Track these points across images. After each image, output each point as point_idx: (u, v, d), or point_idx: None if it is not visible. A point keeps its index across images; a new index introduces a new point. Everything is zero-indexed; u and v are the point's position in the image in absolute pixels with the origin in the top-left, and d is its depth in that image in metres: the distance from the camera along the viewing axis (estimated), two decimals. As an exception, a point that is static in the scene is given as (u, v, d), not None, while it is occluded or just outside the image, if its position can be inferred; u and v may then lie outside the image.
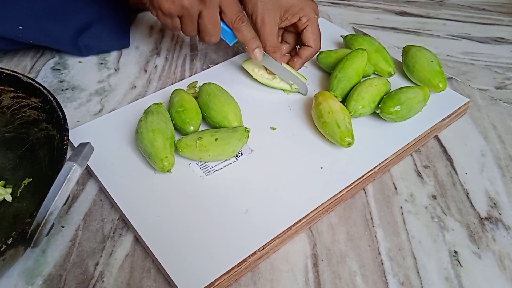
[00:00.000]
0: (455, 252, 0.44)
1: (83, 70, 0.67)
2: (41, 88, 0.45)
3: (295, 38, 0.62)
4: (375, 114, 0.55)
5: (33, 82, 0.46)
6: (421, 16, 0.82)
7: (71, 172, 0.33)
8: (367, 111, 0.54)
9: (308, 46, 0.59)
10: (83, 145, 0.35)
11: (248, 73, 0.60)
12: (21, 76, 0.46)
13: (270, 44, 0.57)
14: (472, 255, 0.44)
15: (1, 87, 0.48)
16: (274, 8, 0.56)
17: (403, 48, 0.62)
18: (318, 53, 0.61)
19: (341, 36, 0.67)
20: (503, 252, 0.44)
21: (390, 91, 0.56)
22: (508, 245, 0.45)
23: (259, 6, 0.56)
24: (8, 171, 0.48)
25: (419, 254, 0.44)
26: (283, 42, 0.62)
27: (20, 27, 0.60)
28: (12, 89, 0.47)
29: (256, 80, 0.60)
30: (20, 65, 0.68)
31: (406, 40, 0.75)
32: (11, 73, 0.47)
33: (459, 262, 0.43)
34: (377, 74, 0.61)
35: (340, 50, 0.61)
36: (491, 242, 0.45)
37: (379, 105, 0.53)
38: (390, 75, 0.60)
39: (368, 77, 0.58)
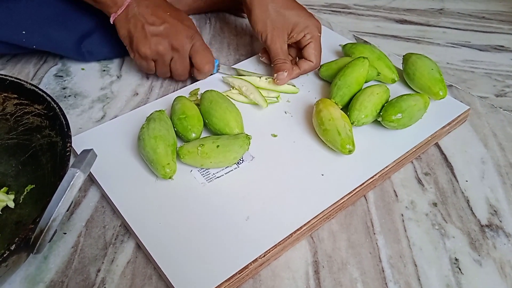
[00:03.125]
0: (456, 259, 0.44)
1: (85, 77, 0.67)
2: (45, 95, 0.45)
3: (296, 52, 0.65)
4: (375, 121, 0.55)
5: (37, 89, 0.46)
6: (421, 24, 0.83)
7: (74, 179, 0.33)
8: (370, 120, 0.54)
9: (309, 60, 0.62)
10: (86, 151, 0.35)
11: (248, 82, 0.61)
12: (25, 83, 0.47)
13: (280, 58, 0.60)
14: (473, 263, 0.44)
15: (5, 94, 0.48)
16: (283, 27, 0.60)
17: (403, 56, 0.62)
18: (318, 67, 0.63)
19: (339, 45, 0.67)
20: (503, 260, 0.44)
21: (391, 98, 0.56)
22: (509, 252, 0.45)
23: (268, 25, 0.60)
24: (11, 177, 0.48)
25: (420, 261, 0.44)
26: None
27: (24, 32, 0.60)
28: (16, 96, 0.48)
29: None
30: (23, 72, 0.68)
31: (406, 48, 0.75)
32: (15, 80, 0.47)
33: (460, 269, 0.44)
34: (379, 81, 0.61)
35: (341, 59, 0.62)
36: (491, 249, 0.45)
37: (381, 113, 0.53)
38: (394, 81, 0.61)
39: (369, 85, 0.58)
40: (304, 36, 0.61)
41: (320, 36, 0.62)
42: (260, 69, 0.66)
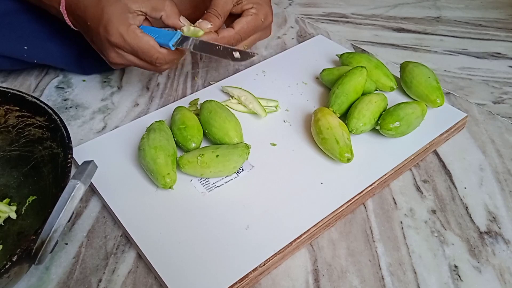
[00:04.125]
0: (455, 266, 0.45)
1: (86, 88, 0.68)
2: (46, 108, 0.46)
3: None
4: (374, 129, 0.55)
5: (38, 102, 0.47)
6: (419, 32, 0.83)
7: (75, 190, 0.34)
8: (368, 128, 0.54)
9: (231, 27, 0.54)
10: (86, 163, 0.36)
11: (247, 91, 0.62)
12: (27, 96, 0.47)
13: (214, 10, 0.54)
14: (472, 270, 0.44)
15: (7, 107, 0.49)
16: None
17: (400, 64, 0.63)
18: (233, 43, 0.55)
19: (336, 55, 0.68)
20: (503, 266, 0.45)
21: (389, 107, 0.56)
22: (508, 259, 0.45)
23: None
24: (13, 188, 0.49)
25: (420, 268, 0.44)
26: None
27: (25, 47, 0.61)
28: (18, 108, 0.48)
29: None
30: (25, 84, 0.69)
31: (404, 56, 0.76)
32: (17, 93, 0.48)
33: (459, 276, 0.44)
34: (378, 89, 0.62)
35: (343, 67, 0.62)
36: (491, 256, 0.45)
37: (379, 122, 0.54)
38: (392, 89, 0.61)
39: (367, 94, 0.59)
40: (250, 8, 0.55)
41: (262, 20, 0.55)
42: (259, 79, 0.66)
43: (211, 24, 0.53)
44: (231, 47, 0.52)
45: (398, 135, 0.54)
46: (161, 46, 0.52)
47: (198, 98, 0.62)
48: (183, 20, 0.54)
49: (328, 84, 0.63)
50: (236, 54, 0.52)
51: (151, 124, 0.53)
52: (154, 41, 0.51)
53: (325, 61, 0.70)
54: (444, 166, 0.55)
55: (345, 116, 0.56)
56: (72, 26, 0.56)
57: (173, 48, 0.52)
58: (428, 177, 0.54)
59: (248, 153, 0.50)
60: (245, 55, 0.52)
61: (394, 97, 0.61)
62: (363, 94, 0.58)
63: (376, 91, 0.61)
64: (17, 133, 0.49)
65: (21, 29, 0.61)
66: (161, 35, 0.52)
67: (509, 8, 0.91)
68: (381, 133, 0.54)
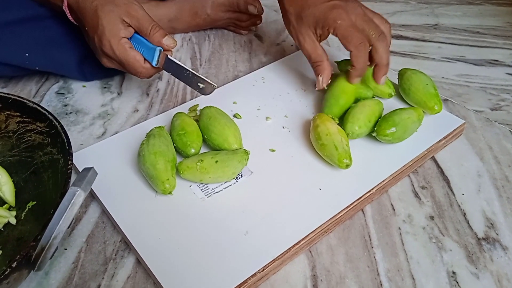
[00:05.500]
0: (453, 272, 0.45)
1: (86, 94, 0.68)
2: (47, 114, 0.46)
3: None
4: (372, 136, 0.56)
5: (39, 108, 0.47)
6: (417, 40, 0.84)
7: (75, 197, 0.34)
8: (364, 131, 0.55)
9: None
10: (87, 169, 0.36)
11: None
12: (27, 102, 0.48)
13: (313, 59, 0.58)
14: (470, 276, 0.44)
15: (8, 112, 0.49)
16: (304, 27, 0.57)
17: (398, 71, 0.64)
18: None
19: (335, 62, 0.68)
20: (500, 273, 0.45)
21: (385, 113, 0.57)
22: (506, 265, 0.45)
23: (292, 32, 0.59)
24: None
25: (418, 274, 0.44)
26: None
27: (27, 54, 0.62)
28: (18, 114, 0.49)
29: None
30: (25, 90, 0.69)
31: (402, 63, 0.77)
32: (18, 98, 0.48)
33: (457, 282, 0.44)
34: (376, 96, 0.62)
35: (341, 73, 0.62)
36: (488, 262, 0.46)
37: (375, 128, 0.54)
38: (391, 96, 0.62)
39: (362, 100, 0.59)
40: (327, 30, 0.56)
41: (346, 21, 0.54)
42: (258, 85, 0.67)
43: (321, 76, 0.57)
44: (198, 75, 0.56)
45: (395, 141, 0.54)
46: (145, 60, 0.57)
47: (198, 104, 0.62)
48: (167, 41, 0.57)
49: (327, 89, 0.63)
50: (201, 85, 0.56)
51: (150, 130, 0.54)
52: (140, 55, 0.56)
53: (324, 68, 0.70)
54: (442, 172, 0.56)
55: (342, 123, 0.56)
56: (74, 22, 0.60)
57: (154, 65, 0.57)
58: (426, 184, 0.54)
59: (247, 159, 0.51)
60: (209, 87, 0.56)
61: (392, 104, 0.62)
62: (359, 100, 0.59)
63: (374, 98, 0.61)
64: (17, 139, 0.49)
65: (23, 37, 0.61)
66: (146, 49, 0.57)
67: (506, 15, 0.92)
68: (379, 140, 0.55)
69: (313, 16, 0.56)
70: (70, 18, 0.59)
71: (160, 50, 0.56)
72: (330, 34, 0.57)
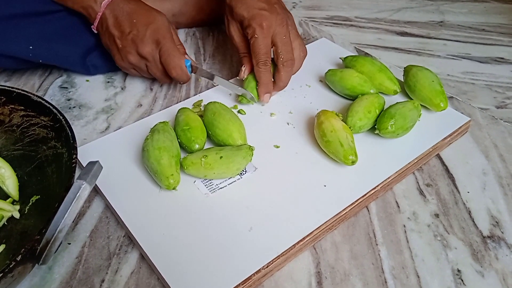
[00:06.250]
0: (458, 270, 0.45)
1: (90, 88, 0.68)
2: (51, 107, 0.46)
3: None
4: (376, 133, 0.55)
5: (43, 101, 0.47)
6: (422, 37, 0.83)
7: (81, 191, 0.34)
8: (365, 123, 0.54)
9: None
10: (92, 163, 0.36)
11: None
12: (31, 95, 0.48)
13: (241, 50, 0.62)
14: (475, 274, 0.44)
15: (12, 106, 0.49)
16: (234, 21, 0.60)
17: (404, 68, 0.63)
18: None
19: (340, 58, 0.68)
20: (506, 271, 0.45)
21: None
22: (511, 263, 0.45)
23: (225, 21, 0.62)
24: (16, 188, 0.49)
25: (422, 272, 0.44)
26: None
27: (31, 47, 0.61)
28: (22, 108, 0.48)
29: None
30: (28, 84, 0.69)
31: (407, 60, 0.76)
32: (22, 92, 0.48)
33: (462, 280, 0.44)
34: (381, 92, 0.62)
35: (346, 69, 0.62)
36: (493, 260, 0.45)
37: (376, 126, 0.54)
38: (396, 92, 0.62)
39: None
40: (247, 34, 0.58)
41: (264, 35, 0.57)
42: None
43: (244, 66, 0.61)
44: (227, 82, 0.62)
45: (399, 131, 0.53)
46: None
47: (202, 100, 0.62)
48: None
49: (331, 85, 0.63)
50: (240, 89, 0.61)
51: (155, 125, 0.53)
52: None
53: (328, 64, 0.70)
54: (447, 170, 0.56)
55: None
56: (95, 30, 0.63)
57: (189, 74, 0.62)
58: (431, 181, 0.54)
59: (252, 155, 0.50)
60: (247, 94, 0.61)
61: (397, 101, 0.61)
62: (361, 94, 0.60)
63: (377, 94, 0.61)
64: (21, 133, 0.49)
65: (27, 30, 0.61)
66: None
67: (512, 13, 0.92)
68: (384, 137, 0.55)
69: (241, 15, 0.58)
70: (94, 26, 0.62)
71: (190, 62, 0.62)
72: None
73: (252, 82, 0.61)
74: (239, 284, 0.41)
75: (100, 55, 0.67)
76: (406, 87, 0.62)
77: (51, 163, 0.47)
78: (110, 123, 0.62)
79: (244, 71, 0.61)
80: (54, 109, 0.46)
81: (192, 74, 0.63)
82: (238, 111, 0.60)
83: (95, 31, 0.63)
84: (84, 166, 0.38)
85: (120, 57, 0.62)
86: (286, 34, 0.58)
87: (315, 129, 0.55)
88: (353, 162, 0.50)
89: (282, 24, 0.58)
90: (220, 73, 0.72)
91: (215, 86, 0.66)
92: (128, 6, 0.60)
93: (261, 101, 0.61)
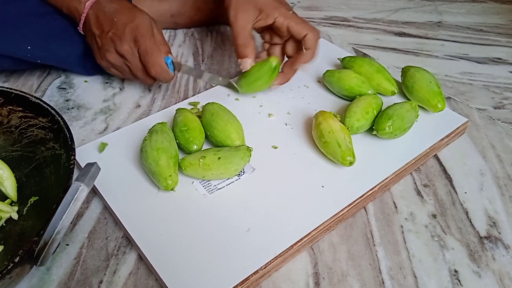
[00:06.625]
0: (455, 271, 0.45)
1: (88, 89, 0.68)
2: (49, 109, 0.46)
3: (271, 37, 0.64)
4: (374, 134, 0.55)
5: (41, 103, 0.47)
6: (420, 37, 0.84)
7: (78, 192, 0.34)
8: (363, 124, 0.55)
9: (305, 49, 0.59)
10: (90, 165, 0.36)
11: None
12: (30, 97, 0.48)
13: (240, 40, 0.59)
14: (472, 274, 0.44)
15: (10, 107, 0.49)
16: (249, 7, 0.58)
17: (402, 68, 0.63)
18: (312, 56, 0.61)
19: (338, 58, 0.68)
20: (503, 271, 0.45)
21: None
22: (508, 264, 0.45)
23: (232, 3, 0.59)
24: (15, 189, 0.49)
25: (420, 273, 0.44)
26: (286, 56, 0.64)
27: (29, 48, 0.61)
28: (21, 109, 0.48)
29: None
30: (27, 84, 0.69)
31: (405, 61, 0.76)
32: (20, 93, 0.48)
33: (459, 281, 0.44)
34: (379, 93, 0.62)
35: (344, 70, 0.63)
36: (490, 261, 0.46)
37: (373, 127, 0.54)
38: (394, 93, 0.62)
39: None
40: (276, 19, 0.58)
41: (292, 13, 0.58)
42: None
43: (250, 58, 0.59)
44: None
45: (397, 132, 0.54)
46: None
47: (199, 102, 0.62)
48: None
49: (329, 86, 0.63)
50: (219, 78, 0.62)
51: (153, 126, 0.53)
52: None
53: (326, 64, 0.70)
54: (444, 170, 0.56)
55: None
56: (81, 32, 0.62)
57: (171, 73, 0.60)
58: (428, 182, 0.54)
59: (250, 156, 0.51)
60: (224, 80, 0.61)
61: (395, 102, 0.61)
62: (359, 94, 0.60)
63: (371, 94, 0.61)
64: (19, 134, 0.49)
65: (25, 29, 0.61)
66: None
67: (510, 13, 0.92)
68: (382, 138, 0.55)
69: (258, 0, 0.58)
70: (79, 27, 0.61)
71: (171, 59, 0.59)
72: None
73: (251, 77, 0.60)
74: (237, 285, 0.41)
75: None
76: (404, 88, 0.62)
77: (49, 164, 0.47)
78: (109, 124, 0.62)
79: (250, 63, 0.59)
80: (52, 110, 0.46)
81: (192, 76, 0.63)
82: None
83: (82, 32, 0.62)
84: (83, 167, 0.38)
85: (100, 56, 0.61)
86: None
87: (313, 130, 0.55)
88: (351, 163, 0.50)
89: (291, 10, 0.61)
90: (218, 73, 0.72)
91: (213, 86, 0.66)
92: (111, 6, 0.59)
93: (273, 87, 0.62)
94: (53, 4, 0.62)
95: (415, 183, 0.54)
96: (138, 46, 0.58)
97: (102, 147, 0.54)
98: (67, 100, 0.66)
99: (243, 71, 0.60)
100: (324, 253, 0.46)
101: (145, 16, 0.60)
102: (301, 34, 0.58)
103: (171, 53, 0.60)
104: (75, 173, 0.42)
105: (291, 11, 0.60)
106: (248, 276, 0.41)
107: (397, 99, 0.62)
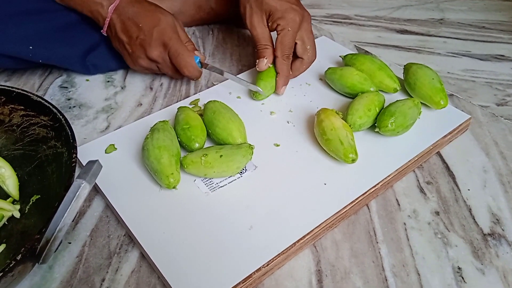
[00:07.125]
0: (459, 268, 0.45)
1: (90, 88, 0.68)
2: (51, 107, 0.46)
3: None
4: (376, 131, 0.55)
5: (43, 101, 0.47)
6: (422, 34, 0.83)
7: (80, 190, 0.34)
8: (365, 121, 0.54)
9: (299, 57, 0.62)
10: (91, 162, 0.36)
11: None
12: (31, 95, 0.48)
13: (261, 44, 0.61)
14: (476, 271, 0.44)
15: (12, 106, 0.49)
16: (260, 12, 0.61)
17: (404, 66, 0.63)
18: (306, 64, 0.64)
19: (340, 56, 0.68)
20: (506, 268, 0.44)
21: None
22: (511, 261, 0.45)
23: (247, 10, 0.61)
24: (17, 187, 0.49)
25: (423, 270, 0.44)
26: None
27: (31, 47, 0.61)
28: (22, 107, 0.48)
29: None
30: (28, 83, 0.69)
31: (407, 58, 0.76)
32: (22, 92, 0.48)
33: (463, 278, 0.44)
34: (381, 90, 0.62)
35: (346, 68, 0.62)
36: (494, 258, 0.45)
37: (376, 124, 0.54)
38: (396, 90, 0.61)
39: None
40: (276, 26, 0.60)
41: (295, 29, 0.59)
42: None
43: (266, 58, 0.61)
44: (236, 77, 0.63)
45: (399, 129, 0.53)
46: None
47: (198, 99, 0.62)
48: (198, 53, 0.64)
49: (331, 83, 0.63)
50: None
51: (155, 124, 0.53)
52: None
53: (328, 62, 0.70)
54: (447, 167, 0.55)
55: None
56: (104, 33, 0.64)
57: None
58: (431, 179, 0.54)
59: (252, 154, 0.50)
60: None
61: (398, 99, 0.61)
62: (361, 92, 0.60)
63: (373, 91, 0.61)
64: (21, 132, 0.49)
65: (26, 29, 0.61)
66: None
67: (512, 10, 0.92)
68: (385, 135, 0.54)
69: (273, 6, 0.59)
70: (103, 31, 0.63)
71: (198, 59, 0.63)
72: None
73: (267, 75, 0.61)
74: (239, 283, 0.41)
75: (100, 54, 0.67)
76: (406, 85, 0.61)
77: (51, 162, 0.47)
78: (110, 122, 0.62)
79: (266, 63, 0.61)
80: (54, 109, 0.46)
81: (217, 73, 0.64)
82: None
83: (105, 35, 0.64)
84: (85, 165, 0.38)
85: (131, 62, 0.64)
86: (311, 31, 0.62)
87: (315, 128, 0.55)
88: (353, 160, 0.50)
89: (308, 21, 0.62)
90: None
91: (215, 85, 0.66)
92: (133, 9, 0.61)
93: (278, 93, 0.62)
94: (71, 7, 0.63)
95: (418, 180, 0.54)
96: (168, 50, 0.61)
97: (110, 148, 0.54)
98: (69, 99, 0.66)
99: (258, 71, 0.62)
100: (327, 251, 0.46)
101: (168, 17, 0.62)
102: (275, 51, 0.61)
103: (196, 49, 0.64)
104: (77, 172, 0.42)
105: (293, 24, 0.59)
106: (251, 274, 0.41)
107: (399, 96, 0.62)
